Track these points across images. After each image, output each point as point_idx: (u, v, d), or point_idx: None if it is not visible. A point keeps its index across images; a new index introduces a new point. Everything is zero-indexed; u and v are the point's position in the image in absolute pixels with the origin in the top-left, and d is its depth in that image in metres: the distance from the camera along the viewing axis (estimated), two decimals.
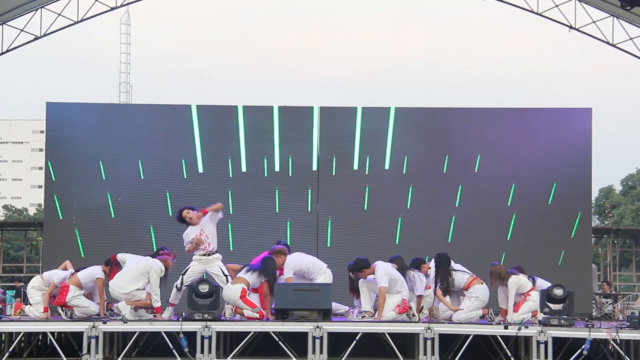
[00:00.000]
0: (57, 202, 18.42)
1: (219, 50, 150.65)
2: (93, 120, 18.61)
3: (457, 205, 18.59)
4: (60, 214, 18.41)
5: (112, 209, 18.41)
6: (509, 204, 18.46)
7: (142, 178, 18.45)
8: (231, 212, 18.06)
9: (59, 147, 18.52)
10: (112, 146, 18.44)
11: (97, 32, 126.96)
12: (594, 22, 22.21)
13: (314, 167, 18.53)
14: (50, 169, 18.51)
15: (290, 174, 18.52)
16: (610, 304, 18.85)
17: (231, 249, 17.73)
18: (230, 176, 18.48)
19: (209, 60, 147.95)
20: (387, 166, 18.59)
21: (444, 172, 18.54)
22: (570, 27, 22.34)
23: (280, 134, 18.61)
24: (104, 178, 18.41)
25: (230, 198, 18.31)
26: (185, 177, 18.47)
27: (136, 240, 17.98)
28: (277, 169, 18.53)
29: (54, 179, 18.49)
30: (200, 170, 18.52)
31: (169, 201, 18.32)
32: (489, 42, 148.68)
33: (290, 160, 18.55)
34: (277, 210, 18.47)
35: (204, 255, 13.60)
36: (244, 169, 18.53)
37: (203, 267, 13.68)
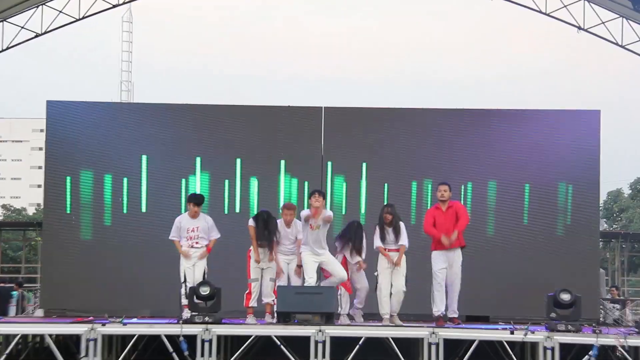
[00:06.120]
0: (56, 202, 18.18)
1: (221, 49, 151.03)
2: (94, 119, 18.35)
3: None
4: (62, 211, 18.12)
5: (109, 209, 18.13)
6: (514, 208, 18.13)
7: (145, 178, 18.13)
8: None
9: (58, 146, 18.26)
10: (113, 145, 18.18)
11: (99, 30, 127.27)
12: (602, 22, 22.00)
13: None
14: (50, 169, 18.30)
15: None
16: (618, 310, 18.65)
17: None
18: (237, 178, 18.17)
19: (211, 58, 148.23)
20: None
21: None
22: (579, 27, 22.15)
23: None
24: (104, 178, 18.14)
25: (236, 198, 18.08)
26: (190, 176, 18.11)
27: (134, 241, 17.83)
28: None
29: (54, 179, 18.22)
30: (205, 170, 18.18)
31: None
32: (495, 43, 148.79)
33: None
34: None
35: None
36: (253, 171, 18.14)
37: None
